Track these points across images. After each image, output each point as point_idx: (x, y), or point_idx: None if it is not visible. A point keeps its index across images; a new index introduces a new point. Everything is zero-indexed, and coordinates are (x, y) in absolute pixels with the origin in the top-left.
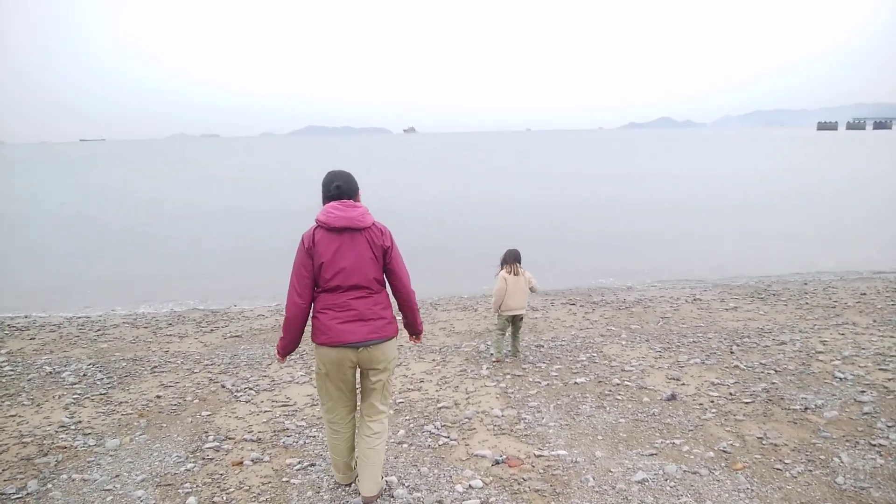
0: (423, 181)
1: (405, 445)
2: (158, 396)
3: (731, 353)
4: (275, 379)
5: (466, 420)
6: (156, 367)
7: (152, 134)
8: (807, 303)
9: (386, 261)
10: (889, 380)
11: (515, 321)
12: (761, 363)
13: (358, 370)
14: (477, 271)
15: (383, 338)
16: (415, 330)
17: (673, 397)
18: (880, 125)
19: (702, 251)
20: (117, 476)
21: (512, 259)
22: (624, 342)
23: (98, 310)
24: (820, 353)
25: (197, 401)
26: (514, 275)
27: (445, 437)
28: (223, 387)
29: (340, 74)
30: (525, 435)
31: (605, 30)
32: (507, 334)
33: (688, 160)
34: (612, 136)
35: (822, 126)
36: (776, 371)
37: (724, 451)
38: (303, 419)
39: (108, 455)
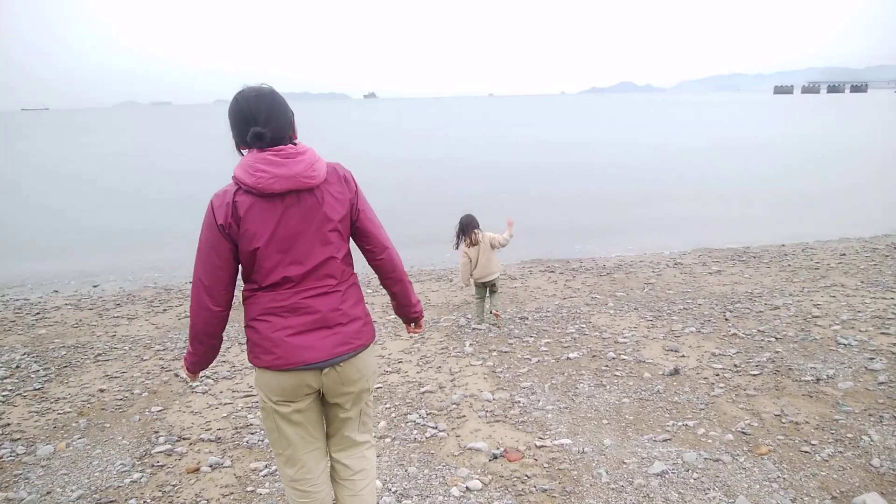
0: (384, 146)
1: (388, 440)
2: (102, 390)
3: (726, 319)
4: (235, 364)
5: (454, 406)
6: (100, 354)
7: (99, 102)
8: (789, 265)
9: (353, 218)
10: (894, 344)
11: (491, 286)
12: (759, 330)
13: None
14: (447, 239)
15: (359, 348)
16: (412, 312)
17: (676, 372)
18: (833, 89)
19: (673, 216)
20: (49, 493)
21: (469, 227)
22: (612, 311)
23: (38, 291)
24: (817, 317)
25: (146, 394)
26: (475, 244)
27: (433, 427)
28: (176, 375)
29: (298, 38)
30: (521, 422)
31: None
32: (485, 300)
33: (651, 126)
34: (573, 100)
35: (779, 90)
36: (777, 338)
37: (744, 433)
38: None
39: (39, 466)
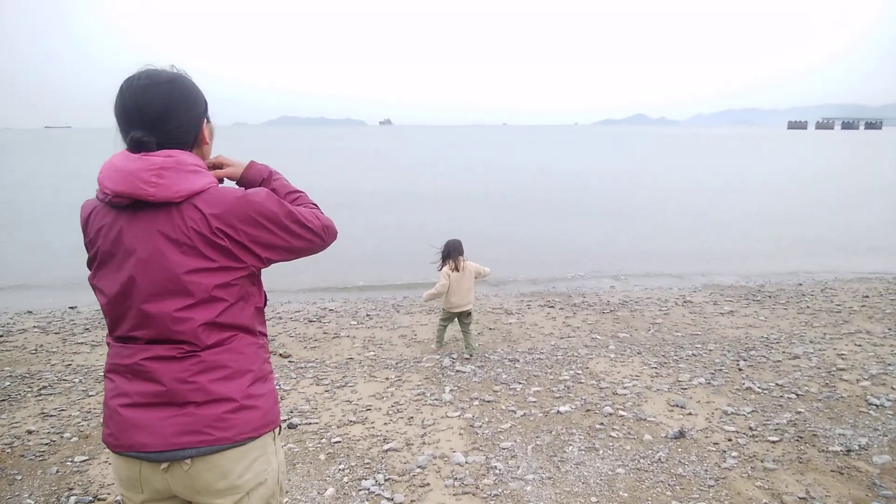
0: (392, 172)
1: None
2: (30, 431)
3: (740, 369)
4: None
5: (419, 471)
6: (45, 387)
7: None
8: (808, 307)
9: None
10: None
11: (462, 317)
12: (777, 384)
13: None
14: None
15: (218, 443)
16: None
17: (681, 434)
18: (847, 125)
19: (681, 249)
20: None
21: (455, 252)
22: (613, 355)
23: (10, 312)
24: (842, 370)
25: (76, 439)
26: (458, 270)
27: (388, 499)
28: None
29: (316, 66)
30: (494, 495)
31: (581, 27)
32: (448, 326)
33: (663, 158)
34: (586, 131)
35: (793, 125)
36: (798, 395)
37: None
38: None
39: None
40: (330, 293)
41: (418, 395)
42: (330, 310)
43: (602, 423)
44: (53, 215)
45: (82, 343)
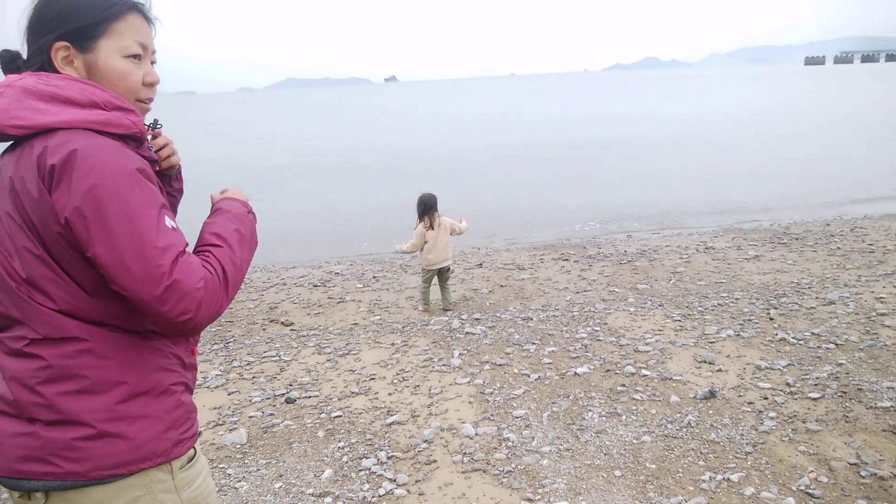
0: (400, 131)
1: (328, 500)
2: None
3: (771, 319)
4: (209, 376)
5: (424, 446)
6: None
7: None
8: (838, 247)
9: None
10: None
11: (442, 273)
12: (813, 333)
13: None
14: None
15: (68, 478)
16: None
17: (712, 394)
18: (868, 58)
19: (700, 192)
20: None
21: (430, 209)
22: (632, 308)
23: None
24: (883, 315)
25: None
26: (433, 227)
27: (391, 480)
28: None
29: (317, 25)
30: (508, 471)
31: None
32: (432, 285)
33: (675, 101)
34: (597, 77)
35: (810, 61)
36: (837, 345)
37: (810, 495)
38: None
39: None
40: (337, 256)
41: (425, 360)
42: (336, 273)
43: (624, 385)
44: None
45: None
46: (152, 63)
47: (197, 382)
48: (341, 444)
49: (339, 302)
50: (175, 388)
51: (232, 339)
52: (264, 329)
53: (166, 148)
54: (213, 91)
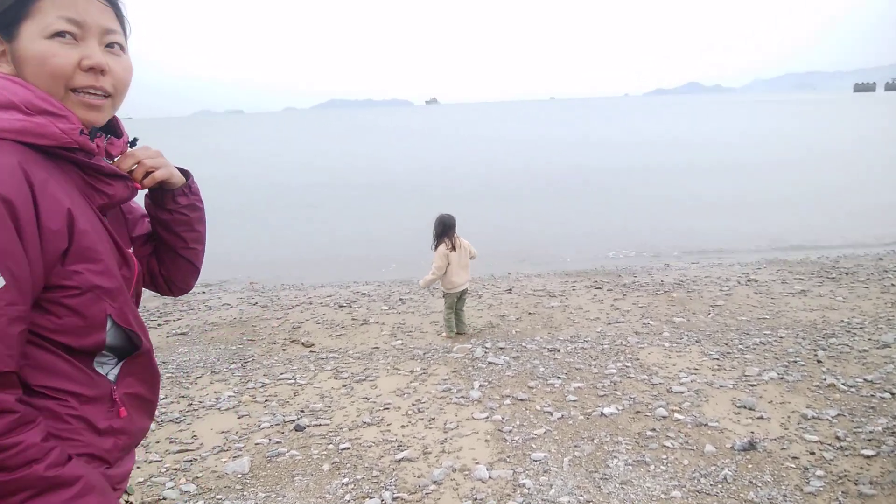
0: (437, 153)
1: None
2: None
3: (818, 361)
4: (193, 401)
5: (434, 488)
6: None
7: (177, 112)
8: (893, 284)
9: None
10: None
11: (461, 296)
12: (866, 380)
13: None
14: (489, 250)
15: None
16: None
17: (751, 446)
18: None
19: (743, 221)
20: None
21: (450, 229)
22: (667, 344)
23: None
24: None
25: None
26: (455, 249)
27: None
28: None
29: (362, 47)
30: None
31: None
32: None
33: (719, 126)
34: (638, 102)
35: (860, 87)
36: (893, 394)
37: None
38: (197, 476)
39: None
40: (365, 276)
41: (444, 391)
42: (363, 294)
43: (654, 430)
44: None
45: None
46: (112, 46)
47: (209, 403)
48: (346, 479)
49: (362, 324)
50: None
51: (251, 359)
52: (284, 349)
53: (140, 165)
54: (261, 110)
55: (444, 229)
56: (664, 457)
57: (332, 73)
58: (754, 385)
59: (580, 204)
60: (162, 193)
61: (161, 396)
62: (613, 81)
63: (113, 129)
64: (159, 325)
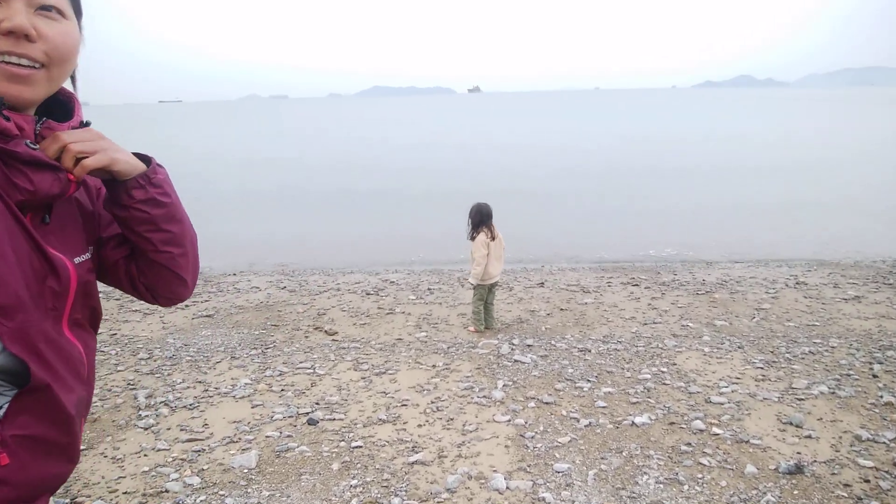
0: (481, 143)
1: None
2: None
3: (874, 376)
4: (209, 387)
5: (446, 496)
6: None
7: (225, 95)
8: None
9: None
10: None
11: (492, 289)
12: None
13: None
14: (522, 242)
15: None
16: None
17: (798, 469)
18: None
19: (791, 221)
20: None
21: (487, 218)
22: (707, 349)
23: None
24: None
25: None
26: (493, 238)
27: None
28: (136, 398)
29: (406, 33)
30: None
31: None
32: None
33: (771, 122)
34: (685, 94)
35: None
36: None
37: None
38: (203, 469)
39: None
40: (395, 264)
41: (465, 389)
42: (391, 282)
43: (690, 444)
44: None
45: (135, 311)
46: (47, 10)
47: (225, 390)
48: (354, 481)
49: (388, 313)
50: None
51: (272, 345)
52: (307, 336)
53: (66, 151)
54: (305, 96)
55: (482, 218)
56: (700, 476)
57: (376, 59)
58: (802, 399)
59: (620, 201)
60: (115, 186)
61: (178, 381)
62: (661, 72)
63: (64, 109)
64: (187, 306)
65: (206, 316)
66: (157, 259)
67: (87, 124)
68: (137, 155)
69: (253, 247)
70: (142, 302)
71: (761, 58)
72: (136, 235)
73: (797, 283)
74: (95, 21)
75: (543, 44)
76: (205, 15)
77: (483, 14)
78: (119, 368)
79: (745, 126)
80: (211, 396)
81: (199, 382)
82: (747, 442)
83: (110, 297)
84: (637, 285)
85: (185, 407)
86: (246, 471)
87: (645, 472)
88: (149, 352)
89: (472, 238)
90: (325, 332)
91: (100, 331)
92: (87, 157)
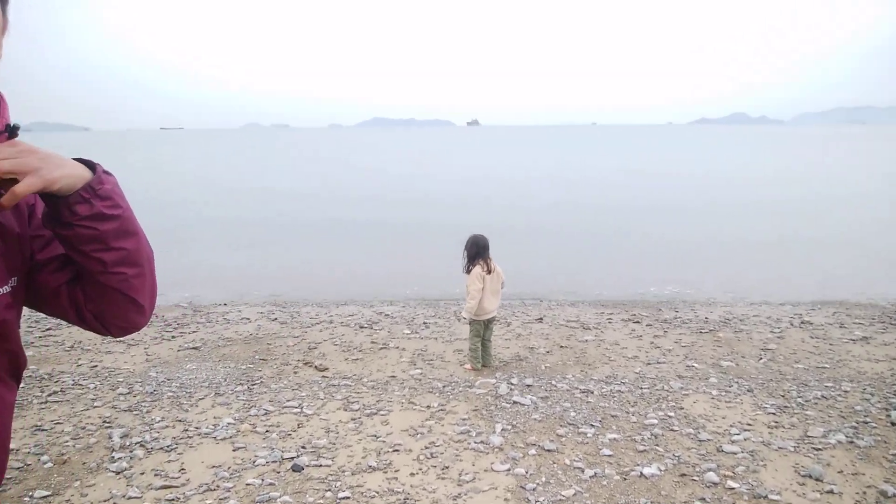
0: (478, 177)
1: None
2: (13, 449)
3: (893, 423)
4: (189, 427)
5: None
6: (55, 392)
7: (226, 123)
8: None
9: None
10: None
11: (489, 324)
12: None
13: None
14: (520, 276)
15: None
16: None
17: None
18: None
19: (792, 260)
20: None
21: (484, 251)
22: (714, 391)
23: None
24: None
25: (50, 464)
26: (489, 272)
27: None
28: (110, 437)
29: (406, 66)
30: None
31: (674, 20)
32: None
33: (767, 159)
34: (681, 131)
35: None
36: None
37: None
38: None
39: None
40: (390, 297)
41: (461, 433)
42: (385, 315)
43: (704, 499)
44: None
45: (120, 341)
46: None
47: (205, 430)
48: None
49: (381, 348)
50: None
51: (259, 381)
52: (296, 372)
53: None
54: (306, 126)
55: (478, 250)
56: None
57: (376, 90)
58: (819, 449)
59: (618, 238)
60: (54, 201)
61: (157, 419)
62: (657, 108)
63: None
64: (173, 337)
65: (193, 348)
66: (107, 282)
67: (16, 129)
68: (80, 160)
69: (245, 276)
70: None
71: (755, 96)
72: (82, 256)
73: (802, 323)
74: (97, 47)
75: (542, 78)
76: (208, 44)
77: (483, 48)
78: (96, 404)
79: (742, 163)
80: (191, 437)
81: (179, 421)
82: (765, 497)
83: None
84: (638, 322)
85: (161, 449)
86: None
87: None
88: (129, 386)
89: (468, 271)
90: (316, 367)
91: (80, 362)
92: (14, 177)
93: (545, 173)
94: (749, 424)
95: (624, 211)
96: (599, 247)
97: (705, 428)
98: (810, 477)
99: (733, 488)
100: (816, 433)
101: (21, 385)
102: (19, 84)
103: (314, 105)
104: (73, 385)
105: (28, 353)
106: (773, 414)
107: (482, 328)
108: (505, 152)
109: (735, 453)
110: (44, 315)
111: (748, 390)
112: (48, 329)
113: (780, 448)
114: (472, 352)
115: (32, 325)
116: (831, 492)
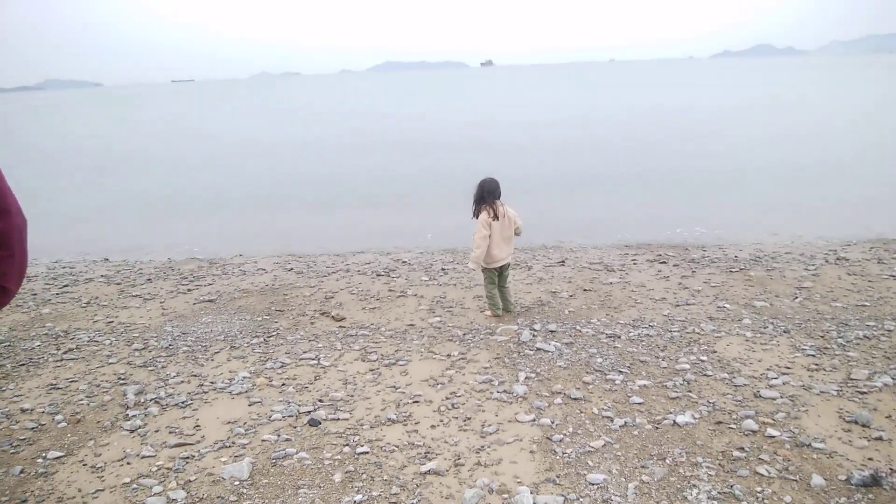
0: (497, 118)
1: None
2: (24, 410)
3: None
4: (204, 382)
5: None
6: (73, 349)
7: (236, 73)
8: None
9: None
10: None
11: (502, 271)
12: None
13: None
14: (540, 219)
15: None
16: None
17: (874, 481)
18: None
19: (824, 192)
20: None
21: (491, 196)
22: (749, 333)
23: (89, 259)
24: None
25: (65, 424)
26: (497, 217)
27: None
28: (125, 395)
29: (416, 7)
30: None
31: None
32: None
33: (794, 91)
34: (703, 65)
35: None
36: None
37: None
38: (190, 480)
39: None
40: (409, 243)
41: (483, 382)
42: (403, 261)
43: (742, 449)
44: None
45: (135, 296)
46: None
47: (221, 385)
48: (359, 496)
49: (399, 296)
50: None
51: (275, 332)
52: (312, 323)
53: None
54: (317, 73)
55: (483, 194)
56: (759, 489)
57: (387, 34)
58: (865, 393)
59: (641, 176)
60: None
61: (172, 374)
62: (677, 42)
63: None
64: (189, 290)
65: (208, 301)
66: None
67: None
68: None
69: (258, 234)
70: (143, 286)
71: (780, 25)
72: None
73: (838, 259)
74: (108, 2)
75: (557, 16)
76: None
77: None
78: (111, 361)
79: (765, 94)
80: (206, 392)
81: (195, 376)
82: (809, 445)
83: (111, 282)
84: (665, 262)
85: (176, 405)
86: (237, 483)
87: (694, 485)
88: (144, 341)
89: (476, 216)
90: (333, 317)
91: (96, 318)
92: None
93: (563, 113)
94: (787, 368)
95: (646, 147)
96: (622, 186)
97: (741, 372)
98: (856, 423)
99: (774, 436)
100: (860, 376)
101: (37, 343)
102: (31, 43)
103: (324, 51)
104: (88, 342)
105: (45, 310)
106: (813, 356)
107: (495, 276)
108: (522, 93)
109: (774, 399)
110: (62, 272)
111: (784, 331)
112: (65, 286)
113: (821, 392)
114: (490, 298)
115: (49, 282)
116: (880, 438)
